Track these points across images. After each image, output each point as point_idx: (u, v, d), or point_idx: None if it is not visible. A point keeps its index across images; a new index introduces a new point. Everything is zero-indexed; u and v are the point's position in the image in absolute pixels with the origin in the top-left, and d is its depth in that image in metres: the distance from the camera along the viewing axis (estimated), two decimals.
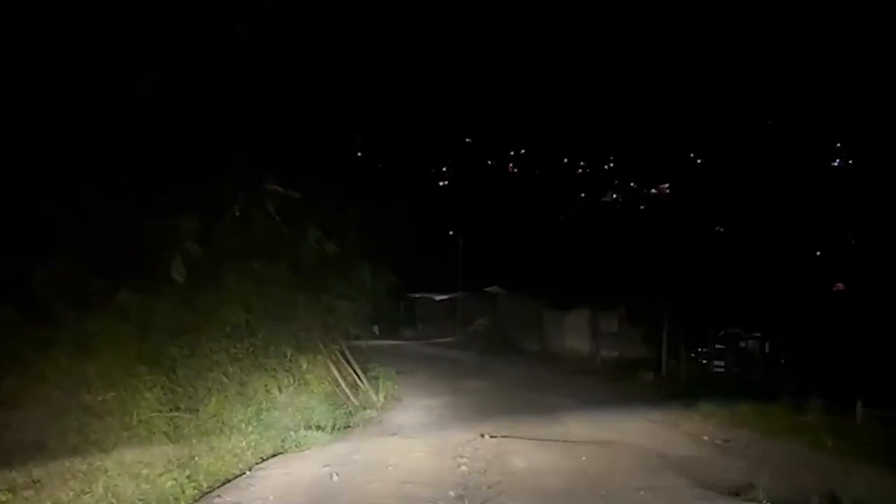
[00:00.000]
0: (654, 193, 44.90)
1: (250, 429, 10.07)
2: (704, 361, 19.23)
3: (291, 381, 12.20)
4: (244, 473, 8.61)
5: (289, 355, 12.26)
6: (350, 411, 13.17)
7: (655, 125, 40.43)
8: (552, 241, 40.42)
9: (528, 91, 44.08)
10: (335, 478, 8.29)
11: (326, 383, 13.53)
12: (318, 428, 11.19)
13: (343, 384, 14.00)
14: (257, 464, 9.20)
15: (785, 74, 34.21)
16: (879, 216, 30.23)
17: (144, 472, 7.81)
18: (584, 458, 9.67)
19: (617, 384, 17.59)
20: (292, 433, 10.45)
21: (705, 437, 11.53)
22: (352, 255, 14.14)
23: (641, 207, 44.79)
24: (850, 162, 36.42)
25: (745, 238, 32.73)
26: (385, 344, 23.69)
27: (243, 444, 9.56)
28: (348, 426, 12.14)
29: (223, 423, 9.73)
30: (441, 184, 51.19)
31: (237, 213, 10.07)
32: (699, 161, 42.63)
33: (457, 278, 36.64)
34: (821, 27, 32.14)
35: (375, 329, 15.56)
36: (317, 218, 12.18)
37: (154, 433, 8.38)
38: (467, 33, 40.57)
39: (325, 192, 12.69)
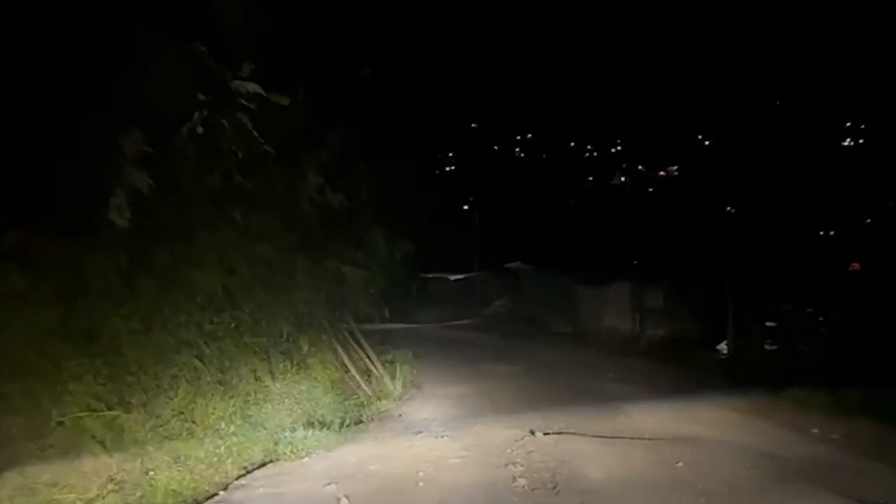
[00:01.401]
0: (663, 175, 44.68)
1: (232, 429, 7.63)
2: (773, 342, 16.77)
3: (289, 365, 9.72)
4: (216, 495, 6.14)
5: (285, 334, 9.74)
6: (362, 403, 10.73)
7: (663, 107, 39.66)
8: (573, 217, 39.80)
9: (533, 75, 43.47)
10: (344, 503, 5.79)
11: (333, 369, 11.06)
12: (322, 425, 8.74)
13: (353, 370, 11.54)
14: (240, 476, 6.82)
15: (793, 54, 33.19)
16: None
17: (69, 497, 5.37)
18: (679, 463, 7.18)
19: (674, 367, 15.04)
20: (288, 433, 8.01)
21: (815, 431, 9.10)
22: (362, 214, 11.56)
23: (650, 190, 44.55)
24: (861, 141, 35.54)
25: (759, 219, 31.35)
26: (398, 327, 21.35)
27: (221, 449, 7.16)
28: (360, 421, 9.68)
29: (194, 422, 7.27)
30: (448, 169, 50.37)
31: (200, 129, 7.32)
32: (707, 143, 42.10)
33: (471, 259, 34.26)
34: (829, 6, 30.99)
35: (386, 312, 13.20)
36: (317, 159, 9.52)
37: (84, 441, 5.85)
38: (469, 18, 39.18)
39: (328, 129, 9.99)
